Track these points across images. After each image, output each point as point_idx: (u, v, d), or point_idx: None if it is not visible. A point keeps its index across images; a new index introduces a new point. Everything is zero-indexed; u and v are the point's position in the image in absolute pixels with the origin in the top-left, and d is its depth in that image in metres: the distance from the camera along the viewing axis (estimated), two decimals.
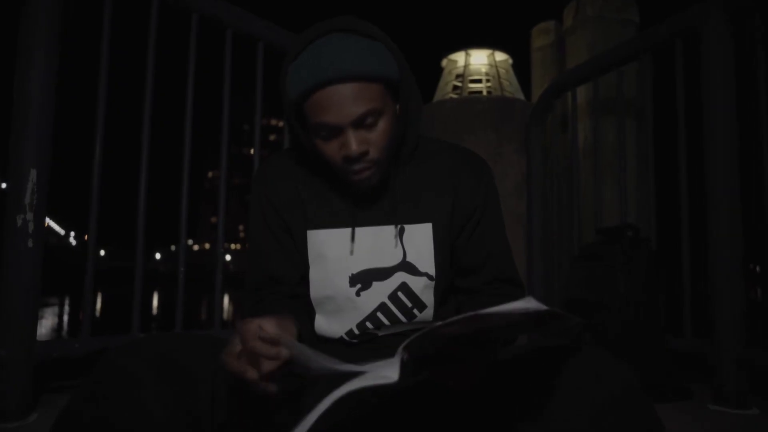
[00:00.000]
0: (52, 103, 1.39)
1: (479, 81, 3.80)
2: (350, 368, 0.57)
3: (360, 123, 0.81)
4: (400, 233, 0.91)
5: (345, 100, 0.79)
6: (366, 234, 0.91)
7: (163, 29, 1.85)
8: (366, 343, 0.93)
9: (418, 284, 0.90)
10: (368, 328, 0.91)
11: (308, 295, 0.93)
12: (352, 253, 0.90)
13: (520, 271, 1.01)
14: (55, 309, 9.88)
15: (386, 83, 0.82)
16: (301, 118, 0.85)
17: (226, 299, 12.80)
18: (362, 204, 0.92)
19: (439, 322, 0.54)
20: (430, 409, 0.76)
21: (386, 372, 0.55)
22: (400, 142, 0.90)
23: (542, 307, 0.52)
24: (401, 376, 0.54)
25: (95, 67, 1.62)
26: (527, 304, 0.52)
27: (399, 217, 0.91)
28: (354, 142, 0.81)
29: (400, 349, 0.55)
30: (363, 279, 0.90)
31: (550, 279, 2.69)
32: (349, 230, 0.91)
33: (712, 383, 1.66)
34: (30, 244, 1.33)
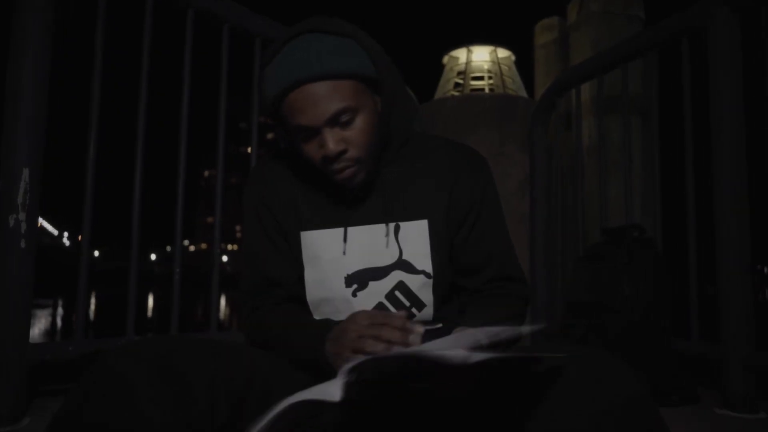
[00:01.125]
0: (45, 100, 1.39)
1: (481, 78, 3.81)
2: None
3: (335, 121, 0.81)
4: (395, 231, 0.91)
5: (317, 100, 0.80)
6: (360, 233, 0.91)
7: (159, 25, 1.85)
8: None
9: (415, 283, 0.90)
10: None
11: (304, 297, 0.93)
12: (345, 253, 0.90)
13: (524, 271, 1.01)
14: (49, 311, 9.88)
15: (360, 79, 0.83)
16: (282, 121, 0.86)
17: (222, 301, 12.80)
18: (355, 203, 0.92)
19: (380, 354, 0.53)
20: (423, 414, 0.76)
21: (331, 389, 0.55)
22: (385, 137, 0.91)
23: (480, 357, 0.52)
24: (344, 396, 0.54)
25: (89, 64, 1.62)
26: (464, 358, 0.51)
27: (393, 214, 0.91)
28: (330, 141, 0.82)
29: (345, 369, 0.55)
30: (359, 279, 0.90)
31: (553, 280, 2.69)
32: (342, 230, 0.91)
33: (719, 387, 1.66)
34: (23, 244, 1.33)
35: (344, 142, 0.83)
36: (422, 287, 0.90)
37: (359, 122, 0.83)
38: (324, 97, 0.80)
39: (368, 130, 0.84)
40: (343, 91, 0.81)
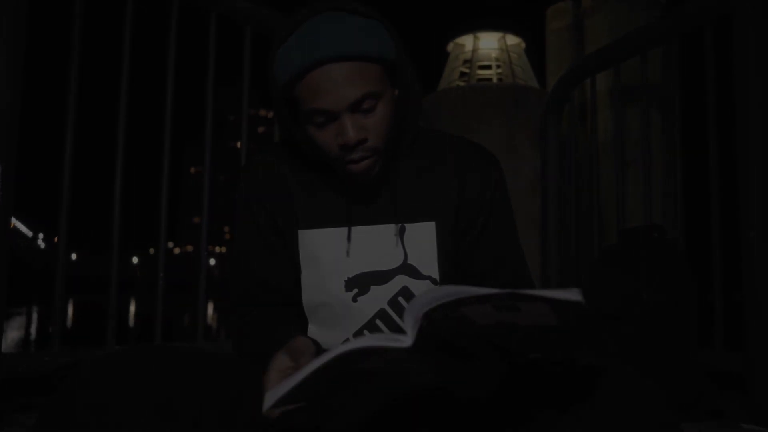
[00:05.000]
0: (19, 92, 1.39)
1: (489, 67, 3.81)
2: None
3: (357, 107, 0.80)
4: (401, 233, 0.91)
5: (340, 82, 0.78)
6: (363, 234, 0.91)
7: (141, 13, 1.85)
8: None
9: (420, 288, 0.90)
10: None
11: (301, 303, 0.93)
12: (348, 254, 0.90)
13: (534, 276, 1.01)
14: (22, 319, 9.89)
15: (384, 64, 0.82)
16: (292, 106, 0.85)
17: (210, 307, 12.81)
18: (359, 201, 0.92)
19: (466, 293, 0.53)
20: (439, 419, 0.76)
21: (400, 337, 0.56)
22: (398, 131, 0.90)
23: (584, 304, 0.52)
24: (416, 341, 0.55)
25: (67, 55, 1.62)
26: (571, 295, 0.52)
27: (399, 215, 0.91)
28: (351, 128, 0.80)
29: (420, 315, 0.55)
30: (360, 283, 0.90)
31: (567, 286, 2.69)
32: (344, 230, 0.91)
33: (745, 400, 1.66)
34: None
35: (365, 131, 0.82)
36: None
37: (381, 110, 0.82)
38: (348, 80, 0.78)
39: (388, 120, 0.84)
40: (368, 75, 0.80)
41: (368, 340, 0.57)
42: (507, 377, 0.70)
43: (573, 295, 0.51)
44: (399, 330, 0.92)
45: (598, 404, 0.67)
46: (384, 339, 0.57)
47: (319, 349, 0.79)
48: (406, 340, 0.56)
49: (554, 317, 0.55)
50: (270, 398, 0.60)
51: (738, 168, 1.73)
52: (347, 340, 0.92)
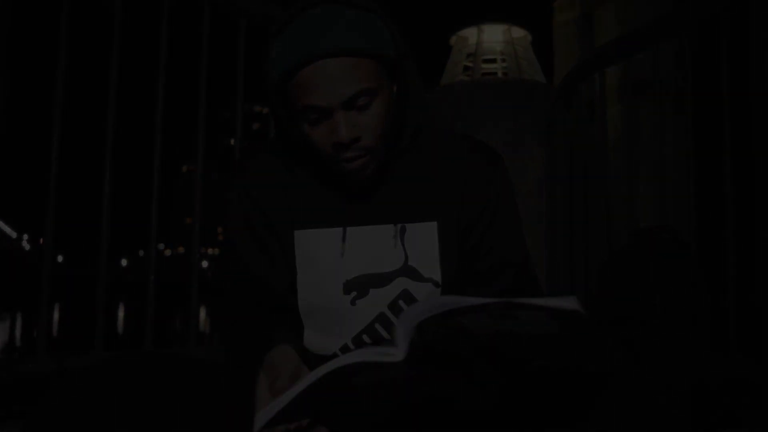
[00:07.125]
0: (5, 87, 1.39)
1: (493, 61, 3.81)
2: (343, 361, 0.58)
3: (351, 104, 0.81)
4: (401, 233, 0.91)
5: (334, 78, 0.79)
6: (362, 234, 0.91)
7: (131, 5, 1.85)
8: None
9: (421, 291, 0.90)
10: (366, 343, 0.92)
11: (296, 307, 0.93)
12: (342, 255, 0.90)
13: (540, 279, 1.01)
14: (6, 324, 9.89)
15: (381, 60, 0.83)
16: (286, 101, 0.85)
17: (202, 312, 12.81)
18: (357, 200, 0.92)
19: (461, 303, 0.53)
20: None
21: (391, 350, 0.56)
22: (398, 128, 0.91)
23: (582, 312, 0.52)
24: (409, 354, 0.55)
25: (53, 50, 1.62)
26: (568, 303, 0.52)
27: (399, 214, 0.91)
28: (344, 126, 0.81)
29: (411, 327, 0.55)
30: (359, 286, 0.90)
31: (575, 289, 2.69)
32: (341, 230, 0.91)
33: (763, 409, 1.66)
34: None
35: (358, 129, 0.82)
36: (429, 296, 0.90)
37: (376, 107, 0.83)
38: (342, 76, 0.79)
39: (384, 117, 0.84)
40: (363, 71, 0.80)
41: (358, 355, 0.57)
42: (510, 386, 0.70)
43: (570, 303, 0.51)
44: None
45: (605, 413, 0.67)
46: (375, 354, 0.57)
47: (303, 358, 0.80)
48: (398, 354, 0.56)
49: (555, 325, 0.55)
50: (261, 419, 0.60)
51: (755, 165, 1.73)
52: (345, 345, 0.92)
